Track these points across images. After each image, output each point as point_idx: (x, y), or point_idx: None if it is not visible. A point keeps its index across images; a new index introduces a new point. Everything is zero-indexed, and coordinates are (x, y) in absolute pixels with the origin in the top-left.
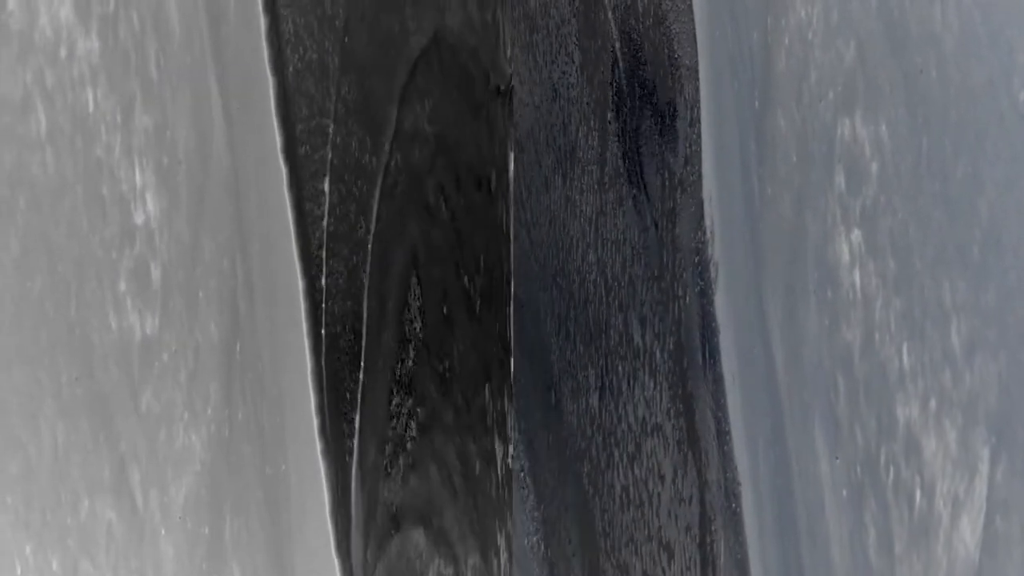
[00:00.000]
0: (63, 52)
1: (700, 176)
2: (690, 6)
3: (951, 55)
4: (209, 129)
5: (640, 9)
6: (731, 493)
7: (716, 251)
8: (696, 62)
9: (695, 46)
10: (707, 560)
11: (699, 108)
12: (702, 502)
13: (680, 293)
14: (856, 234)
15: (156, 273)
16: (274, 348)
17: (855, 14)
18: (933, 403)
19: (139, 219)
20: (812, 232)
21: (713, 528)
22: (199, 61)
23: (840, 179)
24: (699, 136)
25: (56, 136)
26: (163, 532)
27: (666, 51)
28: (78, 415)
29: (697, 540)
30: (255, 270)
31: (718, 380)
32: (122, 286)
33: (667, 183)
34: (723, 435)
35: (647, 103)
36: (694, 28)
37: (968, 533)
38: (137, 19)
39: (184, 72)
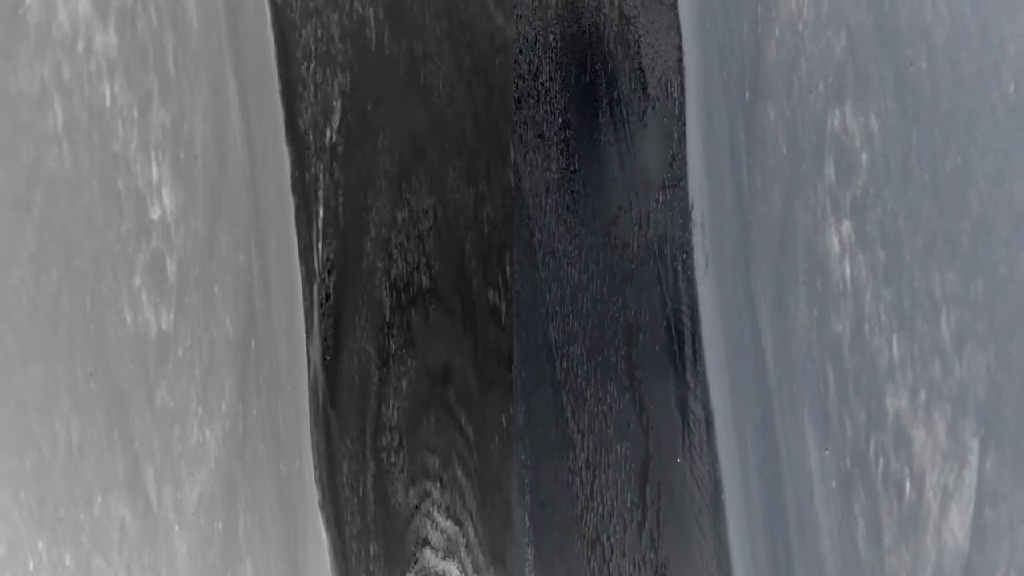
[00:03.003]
0: (80, 46)
1: (686, 172)
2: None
3: (941, 47)
4: (227, 123)
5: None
6: (718, 482)
7: (706, 242)
8: (680, 57)
9: (676, 45)
10: (648, 504)
11: (684, 101)
12: (646, 448)
13: (667, 280)
14: (846, 225)
15: (172, 268)
16: (290, 343)
17: (846, 5)
18: (923, 394)
19: (155, 214)
20: (802, 223)
21: (658, 483)
22: (217, 55)
23: (830, 170)
24: (684, 135)
25: (73, 130)
26: (177, 529)
27: (634, 60)
28: (93, 411)
29: (638, 476)
30: (271, 265)
31: (702, 370)
32: (138, 281)
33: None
34: (710, 424)
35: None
36: (676, 27)
37: (957, 524)
38: (155, 13)
39: (202, 66)
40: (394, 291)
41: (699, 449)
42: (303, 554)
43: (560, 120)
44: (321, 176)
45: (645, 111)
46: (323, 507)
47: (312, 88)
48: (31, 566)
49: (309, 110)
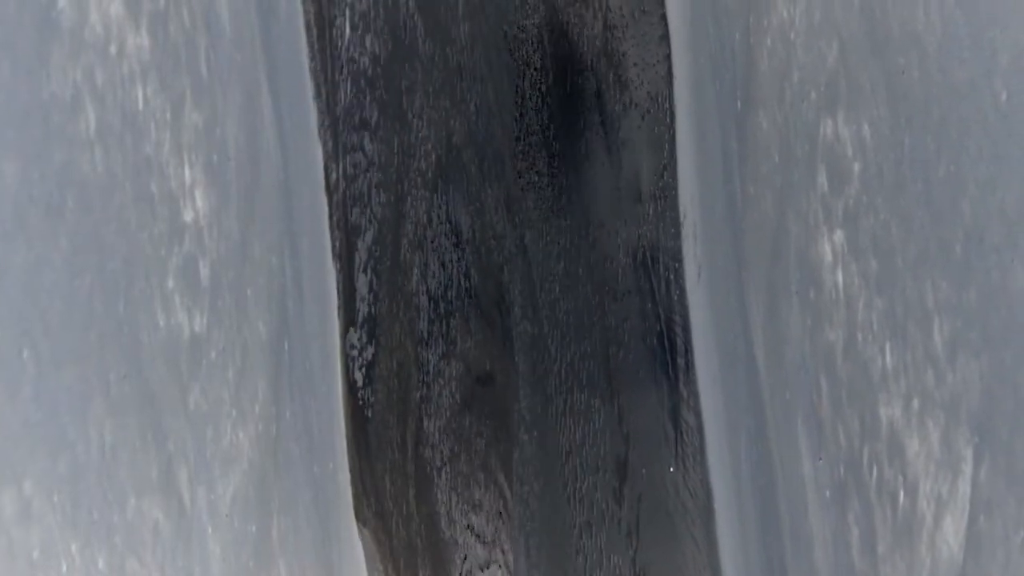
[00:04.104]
0: (113, 49)
1: (676, 183)
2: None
3: (933, 55)
4: (260, 126)
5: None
6: (710, 491)
7: (698, 251)
8: (669, 68)
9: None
10: (620, 501)
11: (674, 111)
12: (627, 442)
13: (659, 290)
14: (838, 234)
15: (205, 271)
16: (324, 345)
17: (837, 14)
18: (916, 403)
19: (188, 216)
20: (794, 232)
21: (639, 493)
22: (250, 59)
23: (822, 179)
24: (674, 145)
25: (105, 134)
26: (210, 531)
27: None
28: (126, 413)
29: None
30: (305, 267)
31: (692, 379)
32: (171, 284)
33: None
34: (702, 434)
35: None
36: (667, 37)
37: (951, 533)
38: (187, 16)
39: (235, 70)
40: (431, 300)
41: (692, 459)
42: (337, 556)
43: (549, 130)
44: (350, 161)
45: (635, 122)
46: (362, 515)
47: (344, 67)
48: (64, 568)
49: (342, 94)
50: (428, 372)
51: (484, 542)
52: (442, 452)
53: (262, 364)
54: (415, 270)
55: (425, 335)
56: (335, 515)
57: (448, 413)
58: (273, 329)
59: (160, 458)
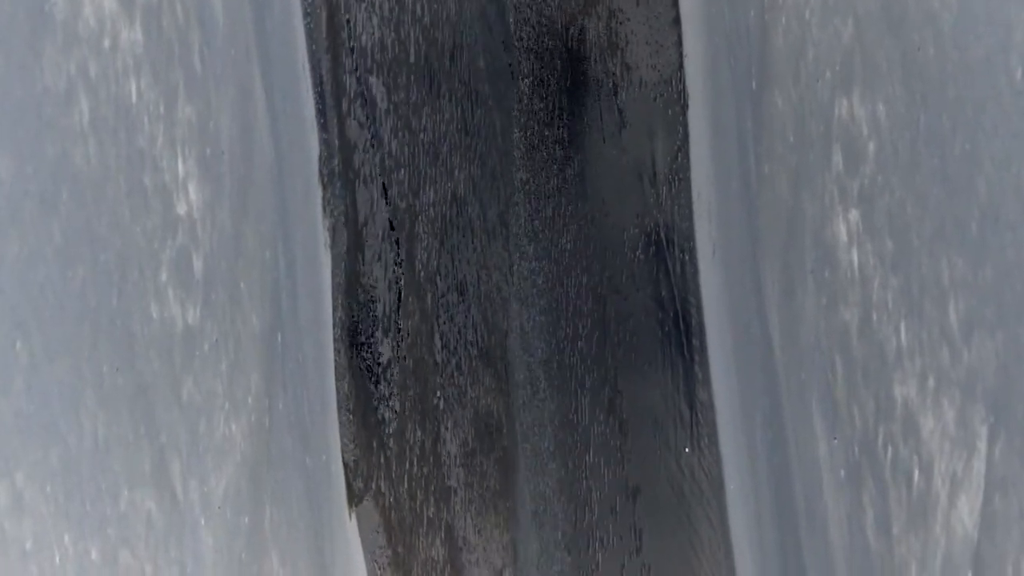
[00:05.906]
0: (107, 43)
1: (690, 163)
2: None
3: (949, 32)
4: (253, 120)
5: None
6: (723, 472)
7: (713, 230)
8: (681, 50)
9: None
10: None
11: (687, 91)
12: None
13: (674, 271)
14: (854, 213)
15: (198, 264)
16: (317, 338)
17: None
18: (931, 382)
19: (181, 209)
20: (810, 212)
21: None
22: (243, 53)
23: (838, 158)
24: (687, 127)
25: (99, 127)
26: (203, 522)
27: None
28: (119, 406)
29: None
30: (298, 260)
31: (706, 359)
32: (164, 276)
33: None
34: (712, 409)
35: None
36: (679, 18)
37: (966, 512)
38: (181, 10)
39: (228, 63)
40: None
41: (707, 439)
42: (330, 546)
43: (561, 112)
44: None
45: (648, 103)
46: (366, 507)
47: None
48: (57, 559)
49: (346, 84)
50: (444, 382)
51: (497, 557)
52: (457, 475)
53: (255, 356)
54: (426, 259)
55: (439, 359)
56: (328, 506)
57: (464, 429)
58: (266, 321)
59: (153, 450)
